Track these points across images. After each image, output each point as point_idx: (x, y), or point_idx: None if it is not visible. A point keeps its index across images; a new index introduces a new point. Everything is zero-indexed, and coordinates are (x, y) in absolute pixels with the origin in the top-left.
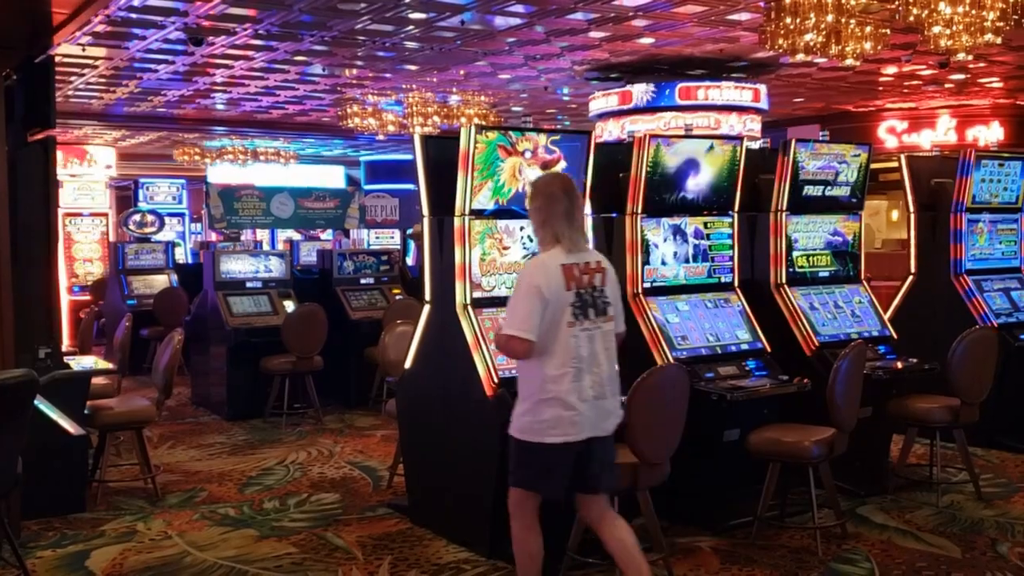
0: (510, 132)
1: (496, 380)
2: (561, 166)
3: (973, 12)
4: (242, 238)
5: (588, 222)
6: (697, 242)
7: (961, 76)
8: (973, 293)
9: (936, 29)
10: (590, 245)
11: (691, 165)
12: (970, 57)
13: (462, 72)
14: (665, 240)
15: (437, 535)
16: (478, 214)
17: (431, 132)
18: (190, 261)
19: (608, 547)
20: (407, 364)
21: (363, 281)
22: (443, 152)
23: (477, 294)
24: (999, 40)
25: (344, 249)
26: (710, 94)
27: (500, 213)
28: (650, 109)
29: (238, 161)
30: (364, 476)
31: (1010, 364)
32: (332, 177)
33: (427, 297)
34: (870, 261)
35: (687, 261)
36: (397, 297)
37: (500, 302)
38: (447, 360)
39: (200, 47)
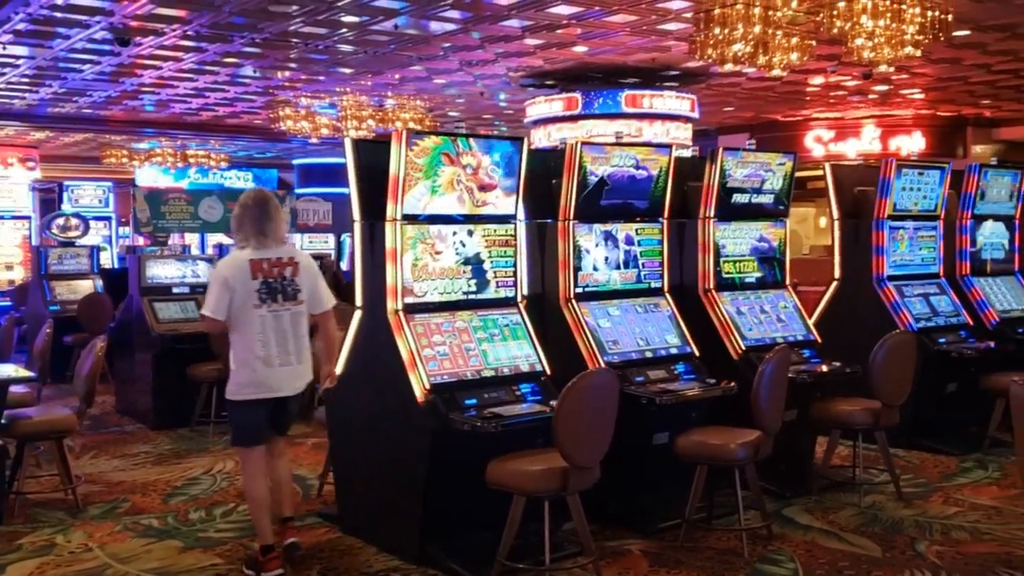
0: (458, 142)
1: (428, 386)
2: (496, 194)
3: (894, 26)
4: (170, 242)
5: (521, 228)
6: (628, 248)
7: (884, 87)
8: (894, 298)
9: (859, 41)
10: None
11: (622, 172)
12: (892, 69)
13: (397, 76)
14: (597, 246)
15: (367, 543)
16: (411, 219)
17: (366, 135)
18: (116, 266)
19: (271, 475)
20: (337, 371)
21: None
22: (375, 156)
23: (409, 300)
24: (919, 53)
25: None
26: (644, 102)
27: (434, 218)
28: (577, 117)
29: (166, 165)
30: (293, 485)
31: (929, 367)
32: (264, 180)
33: (358, 303)
34: (798, 267)
35: (618, 267)
36: None
37: (433, 308)
38: (378, 366)
39: (127, 47)
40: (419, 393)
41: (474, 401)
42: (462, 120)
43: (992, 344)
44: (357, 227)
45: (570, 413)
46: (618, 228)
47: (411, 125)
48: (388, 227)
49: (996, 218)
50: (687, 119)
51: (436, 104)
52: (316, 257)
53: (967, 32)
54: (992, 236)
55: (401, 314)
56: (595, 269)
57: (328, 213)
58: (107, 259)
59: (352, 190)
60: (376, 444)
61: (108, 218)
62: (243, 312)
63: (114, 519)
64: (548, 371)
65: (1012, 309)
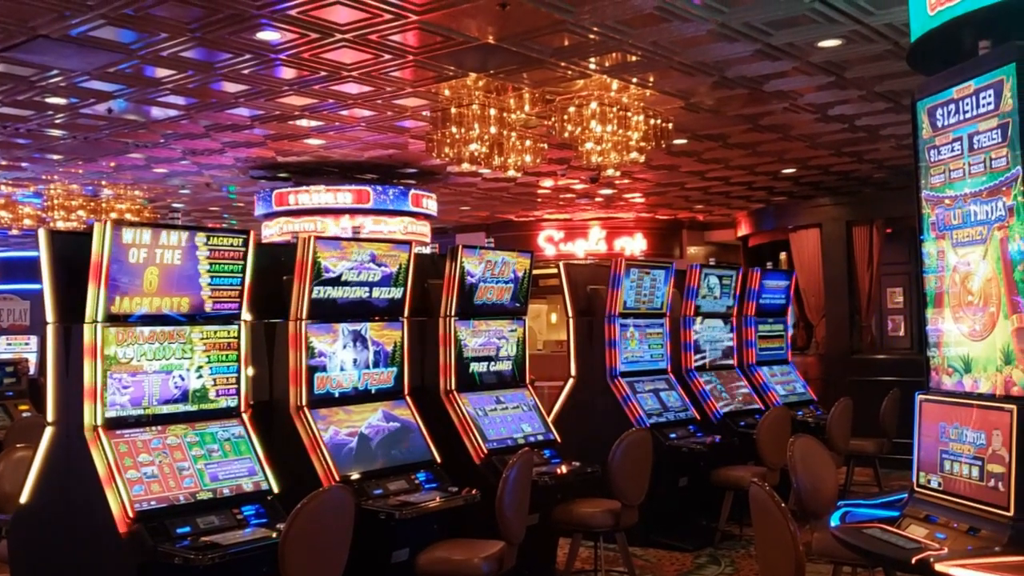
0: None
1: (132, 514)
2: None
3: (620, 132)
4: None
5: (248, 328)
6: (367, 349)
7: (609, 191)
8: (628, 395)
9: (588, 145)
10: None
11: (358, 267)
12: (618, 173)
13: (112, 164)
14: (333, 346)
15: None
16: (116, 320)
17: (76, 227)
18: None
19: None
20: (23, 497)
21: None
22: (75, 250)
23: (111, 413)
24: (643, 158)
25: None
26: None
27: (144, 319)
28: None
29: None
30: None
31: (662, 463)
32: None
33: (50, 417)
34: (533, 362)
35: (363, 368)
36: (24, 414)
37: (139, 422)
38: (73, 491)
39: None
40: (121, 522)
41: (188, 529)
42: (187, 212)
43: (718, 438)
44: (51, 330)
45: (299, 538)
46: (355, 327)
47: (127, 216)
48: (87, 329)
49: (715, 315)
50: (427, 216)
51: (157, 195)
52: (11, 363)
53: (684, 140)
54: (713, 333)
55: (100, 430)
56: (328, 371)
57: (25, 313)
58: None
59: (46, 288)
60: None
61: None
62: None
63: None
64: (275, 489)
65: (734, 402)
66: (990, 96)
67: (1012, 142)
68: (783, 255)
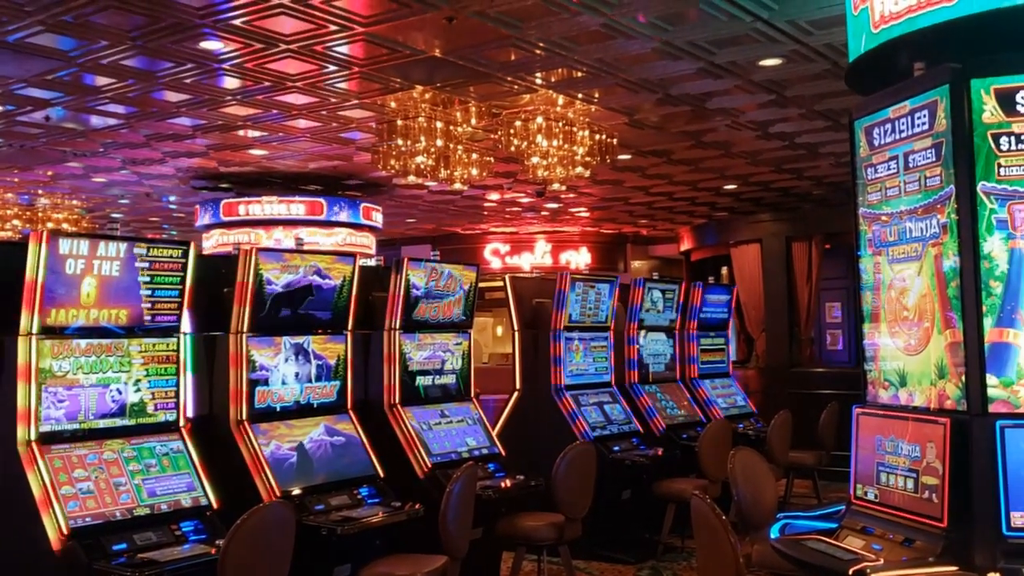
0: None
1: (66, 530)
2: (156, 305)
3: (566, 147)
4: None
5: (187, 340)
6: (310, 363)
7: (555, 205)
8: (572, 407)
9: (535, 160)
10: None
11: (304, 281)
12: (563, 187)
13: (49, 172)
14: (275, 360)
15: None
16: (52, 332)
17: (11, 237)
18: None
19: None
20: None
21: None
22: (9, 260)
23: (46, 428)
24: (588, 173)
25: None
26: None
27: (81, 332)
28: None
29: None
30: None
31: (605, 476)
32: None
33: None
34: (479, 375)
35: (306, 381)
36: None
37: (75, 436)
38: (6, 508)
39: None
40: (55, 539)
41: (124, 546)
42: (126, 223)
43: (661, 451)
44: None
45: (239, 554)
46: (298, 340)
47: (64, 226)
48: (21, 342)
49: (658, 329)
50: (371, 228)
51: (96, 204)
52: None
53: (629, 156)
54: (655, 346)
55: (34, 445)
56: (270, 385)
57: None
58: None
59: None
60: None
61: None
62: None
63: None
64: (215, 505)
65: (676, 415)
66: (925, 116)
67: (946, 161)
68: (724, 270)
